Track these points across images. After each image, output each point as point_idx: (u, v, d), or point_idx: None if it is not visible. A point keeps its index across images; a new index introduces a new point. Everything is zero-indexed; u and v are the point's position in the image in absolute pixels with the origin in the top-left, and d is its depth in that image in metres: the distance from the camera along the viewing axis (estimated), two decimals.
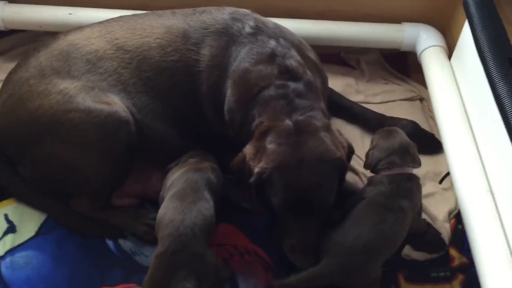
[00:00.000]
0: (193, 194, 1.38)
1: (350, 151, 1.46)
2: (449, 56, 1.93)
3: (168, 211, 1.35)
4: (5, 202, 1.59)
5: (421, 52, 1.94)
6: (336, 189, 1.38)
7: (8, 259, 1.48)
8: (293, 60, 1.51)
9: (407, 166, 1.47)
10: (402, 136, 1.50)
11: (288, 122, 1.37)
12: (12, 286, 1.42)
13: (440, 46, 1.93)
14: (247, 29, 1.55)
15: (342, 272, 1.32)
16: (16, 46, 2.05)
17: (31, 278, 1.44)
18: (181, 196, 1.38)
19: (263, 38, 1.53)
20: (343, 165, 1.37)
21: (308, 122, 1.38)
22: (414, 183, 1.45)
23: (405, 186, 1.43)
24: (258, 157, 1.36)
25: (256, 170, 1.35)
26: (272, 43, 1.52)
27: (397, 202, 1.39)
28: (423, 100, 2.00)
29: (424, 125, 1.89)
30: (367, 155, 1.52)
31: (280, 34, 1.57)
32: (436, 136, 1.83)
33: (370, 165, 1.49)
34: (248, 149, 1.40)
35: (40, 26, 1.97)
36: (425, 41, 1.94)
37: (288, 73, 1.47)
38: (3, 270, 1.45)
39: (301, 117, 1.39)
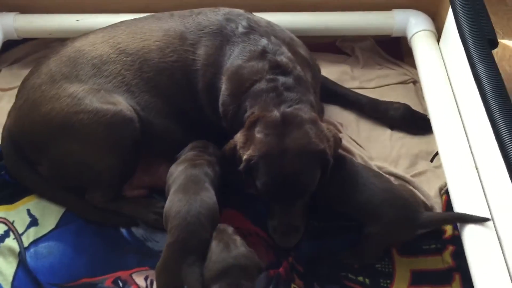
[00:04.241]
0: (194, 186, 1.49)
1: (337, 145, 1.55)
2: (439, 40, 2.01)
3: (174, 203, 1.46)
4: (26, 198, 1.72)
5: (411, 37, 2.02)
6: (320, 178, 1.47)
7: (32, 250, 1.61)
8: (284, 56, 1.60)
9: None
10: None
11: (276, 114, 1.47)
12: (37, 274, 1.55)
13: (429, 30, 2.00)
14: (240, 29, 1.65)
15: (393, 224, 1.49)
16: (29, 54, 2.17)
17: (53, 266, 1.57)
18: (183, 189, 1.48)
19: (255, 36, 1.63)
20: (324, 157, 1.46)
21: (295, 114, 1.48)
22: None
23: None
24: (247, 145, 1.47)
25: (244, 157, 1.46)
26: (264, 41, 1.62)
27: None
28: (416, 82, 2.07)
29: (417, 107, 1.97)
30: None
31: (272, 32, 1.67)
32: (428, 117, 1.90)
33: None
34: (239, 138, 1.50)
35: (50, 34, 2.10)
36: (414, 26, 2.02)
37: (278, 68, 1.57)
38: (28, 259, 1.58)
39: (288, 109, 1.48)
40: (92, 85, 1.61)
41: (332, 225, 1.65)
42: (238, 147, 1.49)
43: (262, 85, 1.54)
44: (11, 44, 2.16)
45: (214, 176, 1.56)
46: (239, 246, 1.39)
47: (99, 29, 1.77)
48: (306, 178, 1.45)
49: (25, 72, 1.80)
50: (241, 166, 1.46)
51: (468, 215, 1.47)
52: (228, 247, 1.37)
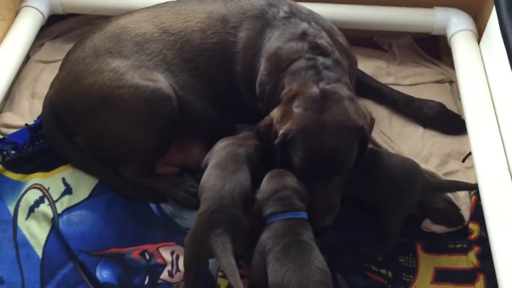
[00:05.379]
0: (234, 165, 1.50)
1: (372, 124, 1.55)
2: (480, 41, 1.98)
3: (211, 177, 1.48)
4: (63, 167, 1.77)
5: (451, 36, 2.00)
6: (357, 156, 1.47)
7: (65, 217, 1.66)
8: (324, 40, 1.61)
9: None
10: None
11: (315, 89, 1.47)
12: (68, 240, 1.60)
13: (470, 31, 1.98)
14: (281, 14, 1.66)
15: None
16: (73, 29, 2.22)
17: (84, 234, 1.63)
18: (223, 166, 1.50)
19: (296, 21, 1.65)
20: (363, 133, 1.45)
21: (333, 91, 1.47)
22: None
23: None
24: (285, 120, 1.46)
25: (281, 131, 1.46)
26: (304, 24, 1.63)
27: None
28: (453, 82, 2.05)
29: (452, 107, 1.95)
30: None
31: (312, 19, 1.68)
32: (463, 117, 1.89)
33: None
34: (276, 113, 1.50)
35: (95, 10, 2.14)
36: (455, 25, 2.00)
37: (318, 49, 1.57)
38: (61, 225, 1.63)
39: (327, 86, 1.48)
40: (134, 62, 1.64)
41: (359, 217, 1.66)
42: (274, 122, 1.49)
43: (301, 63, 1.54)
44: (55, 18, 2.22)
45: (257, 160, 1.56)
46: (292, 176, 1.46)
47: (144, 8, 1.80)
48: (344, 154, 1.44)
49: (67, 47, 1.85)
50: (277, 140, 1.46)
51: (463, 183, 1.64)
52: (282, 176, 1.46)
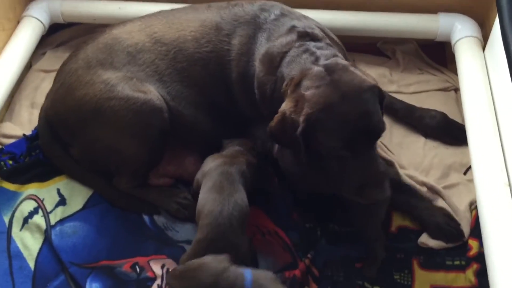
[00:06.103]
0: (230, 186, 1.48)
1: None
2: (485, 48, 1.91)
3: (208, 202, 1.46)
4: (57, 178, 1.77)
5: (455, 42, 1.93)
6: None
7: (58, 228, 1.66)
8: (315, 30, 1.59)
9: None
10: None
11: (317, 67, 1.42)
12: (60, 252, 1.60)
13: (474, 37, 1.91)
14: (272, 16, 1.64)
15: None
16: (73, 38, 2.23)
17: (76, 246, 1.62)
18: (218, 189, 1.48)
19: (285, 20, 1.63)
20: (380, 92, 1.40)
21: (335, 62, 1.43)
22: None
23: None
24: (300, 107, 1.38)
25: (301, 118, 1.37)
26: (294, 21, 1.61)
27: None
28: (458, 90, 1.98)
29: (456, 116, 1.89)
30: None
31: (304, 18, 1.66)
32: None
33: None
34: (286, 104, 1.42)
35: (94, 19, 2.14)
36: (460, 32, 1.93)
37: (308, 36, 1.55)
38: (53, 237, 1.63)
39: (327, 62, 1.44)
40: (125, 73, 1.63)
41: (353, 232, 1.62)
42: (287, 114, 1.41)
43: (293, 52, 1.51)
44: (57, 27, 2.23)
45: (250, 177, 1.54)
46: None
47: (138, 18, 1.79)
48: (376, 116, 1.37)
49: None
50: (299, 129, 1.35)
51: None
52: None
